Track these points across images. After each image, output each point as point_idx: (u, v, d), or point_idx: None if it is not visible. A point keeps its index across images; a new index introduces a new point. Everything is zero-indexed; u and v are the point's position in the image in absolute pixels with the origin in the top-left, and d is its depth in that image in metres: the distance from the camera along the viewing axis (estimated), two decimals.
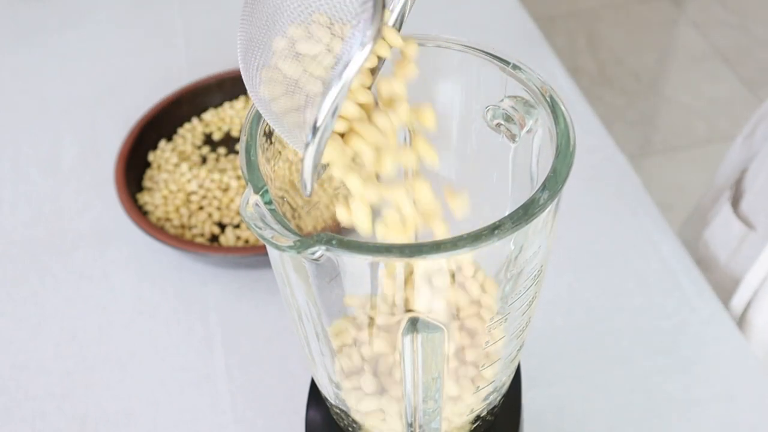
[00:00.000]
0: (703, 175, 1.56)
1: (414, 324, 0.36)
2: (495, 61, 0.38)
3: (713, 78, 1.86)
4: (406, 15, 0.35)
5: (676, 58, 1.95)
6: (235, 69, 0.77)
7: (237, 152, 0.63)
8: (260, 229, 0.32)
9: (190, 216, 0.67)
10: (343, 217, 0.34)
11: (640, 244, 0.66)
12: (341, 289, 0.36)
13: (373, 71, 0.35)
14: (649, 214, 0.68)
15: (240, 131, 0.45)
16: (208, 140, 0.75)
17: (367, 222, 0.34)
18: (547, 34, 0.91)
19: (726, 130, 1.72)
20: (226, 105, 0.76)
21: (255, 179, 0.33)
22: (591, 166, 0.72)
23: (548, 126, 0.36)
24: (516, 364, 0.43)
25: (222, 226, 0.67)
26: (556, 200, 0.33)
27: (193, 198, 0.68)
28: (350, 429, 0.43)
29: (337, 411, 0.43)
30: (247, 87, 0.34)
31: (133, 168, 0.69)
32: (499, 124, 0.38)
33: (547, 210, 0.32)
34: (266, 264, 0.57)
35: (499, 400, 0.43)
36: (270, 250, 0.36)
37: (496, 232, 0.31)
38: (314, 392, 0.47)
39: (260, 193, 0.33)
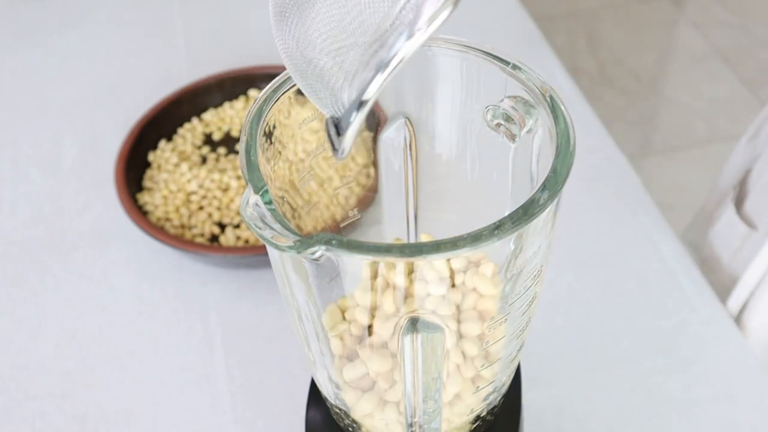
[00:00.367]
0: (703, 175, 1.56)
1: (414, 324, 0.36)
2: (495, 61, 0.38)
3: (713, 78, 1.86)
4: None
5: (676, 58, 1.95)
6: (235, 69, 0.77)
7: (237, 152, 0.63)
8: (260, 229, 0.32)
9: (190, 216, 0.67)
10: None
11: (640, 244, 0.66)
12: (341, 289, 0.36)
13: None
14: (649, 214, 0.68)
15: (240, 131, 0.45)
16: (208, 140, 0.75)
17: None
18: (547, 34, 0.91)
19: (726, 130, 1.72)
20: (226, 105, 0.76)
21: (255, 179, 0.33)
22: (591, 166, 0.72)
23: (548, 126, 0.36)
24: (516, 364, 0.43)
25: (222, 226, 0.67)
26: (556, 200, 0.33)
27: (193, 198, 0.68)
28: (350, 429, 0.43)
29: (337, 411, 0.43)
30: (275, 33, 0.32)
31: (133, 168, 0.69)
32: (499, 124, 0.38)
33: (547, 210, 0.32)
34: (266, 264, 0.57)
35: (499, 400, 0.43)
36: (270, 250, 0.36)
37: (496, 232, 0.31)
38: (314, 392, 0.47)
39: (260, 193, 0.33)
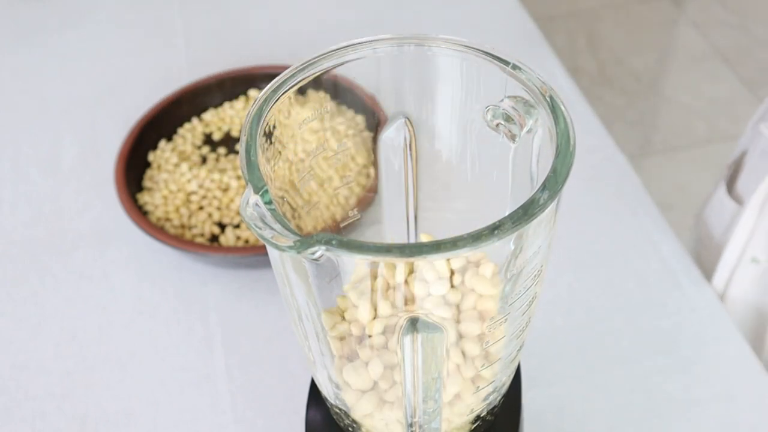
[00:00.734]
0: (703, 175, 1.56)
1: (414, 324, 0.36)
2: (495, 61, 0.38)
3: (713, 78, 1.86)
4: None
5: (676, 58, 1.95)
6: (235, 69, 0.77)
7: (237, 152, 0.63)
8: (260, 229, 0.32)
9: (190, 216, 0.67)
10: None
11: (640, 244, 0.66)
12: (341, 289, 0.36)
13: None
14: (649, 214, 0.68)
15: (240, 131, 0.45)
16: (208, 140, 0.75)
17: None
18: (547, 34, 0.91)
19: (726, 130, 1.72)
20: (226, 105, 0.76)
21: (255, 179, 0.33)
22: (591, 166, 0.72)
23: (548, 126, 0.36)
24: (516, 364, 0.43)
25: (222, 226, 0.67)
26: (556, 200, 0.33)
27: (193, 198, 0.68)
28: (350, 429, 0.43)
29: (337, 411, 0.43)
30: None
31: (133, 168, 0.69)
32: (499, 124, 0.38)
33: (547, 210, 0.32)
34: (266, 264, 0.57)
35: (499, 400, 0.43)
36: (270, 250, 0.36)
37: (496, 232, 0.31)
38: (314, 392, 0.47)
39: (260, 193, 0.33)
